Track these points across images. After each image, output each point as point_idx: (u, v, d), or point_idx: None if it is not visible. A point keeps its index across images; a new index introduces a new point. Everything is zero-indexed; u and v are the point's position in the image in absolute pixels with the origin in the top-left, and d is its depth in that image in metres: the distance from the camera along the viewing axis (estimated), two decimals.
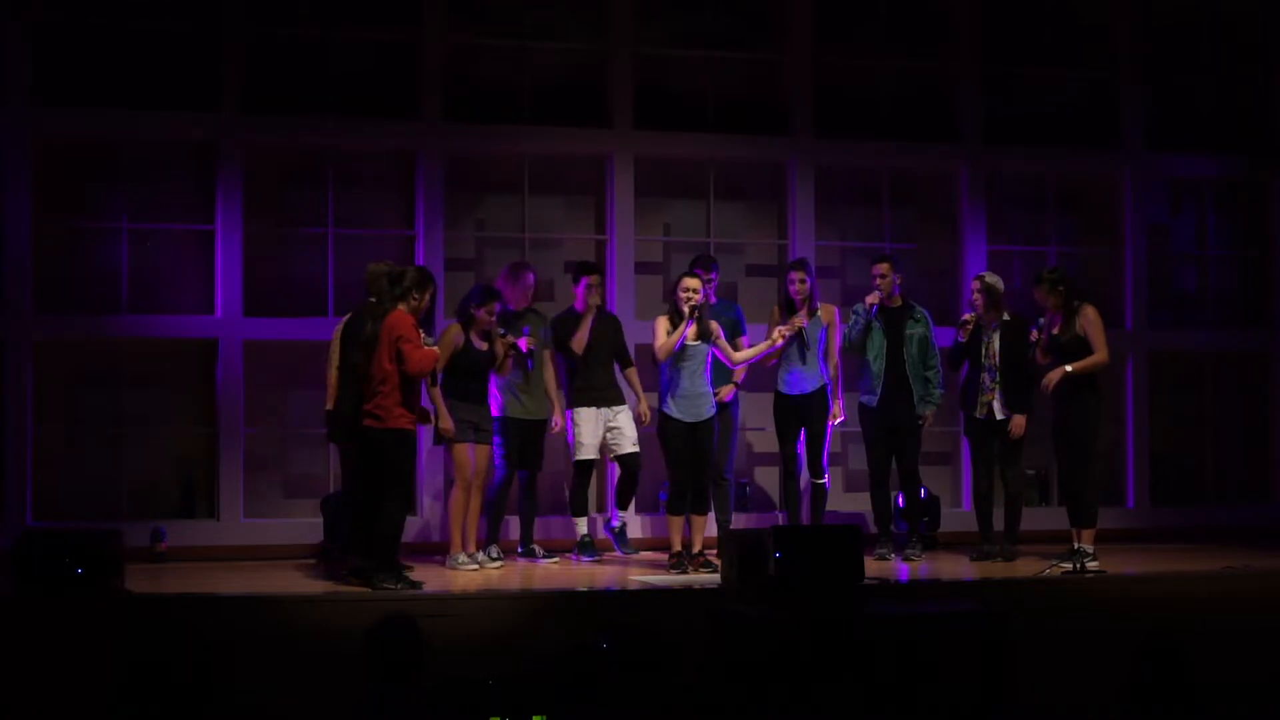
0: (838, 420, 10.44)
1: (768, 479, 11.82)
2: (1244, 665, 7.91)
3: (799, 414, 10.33)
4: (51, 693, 7.19)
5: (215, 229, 10.87)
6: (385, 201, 11.41)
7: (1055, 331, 9.63)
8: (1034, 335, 9.81)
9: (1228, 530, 11.93)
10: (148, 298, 10.95)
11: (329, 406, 9.17)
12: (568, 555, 10.30)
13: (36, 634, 7.36)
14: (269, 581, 9.04)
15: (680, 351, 9.42)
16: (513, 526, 10.44)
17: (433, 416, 9.34)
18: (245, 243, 10.86)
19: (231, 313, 10.82)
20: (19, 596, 7.64)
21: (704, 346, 9.50)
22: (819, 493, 10.38)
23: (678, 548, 9.57)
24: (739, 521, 10.67)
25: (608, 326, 10.30)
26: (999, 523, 10.16)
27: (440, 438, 9.48)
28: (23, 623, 7.45)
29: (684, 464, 9.51)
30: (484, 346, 9.52)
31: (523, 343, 9.77)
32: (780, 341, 9.80)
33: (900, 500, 10.50)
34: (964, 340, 10.14)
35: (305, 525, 10.48)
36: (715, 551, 9.43)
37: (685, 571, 9.45)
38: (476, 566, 9.54)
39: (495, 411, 9.81)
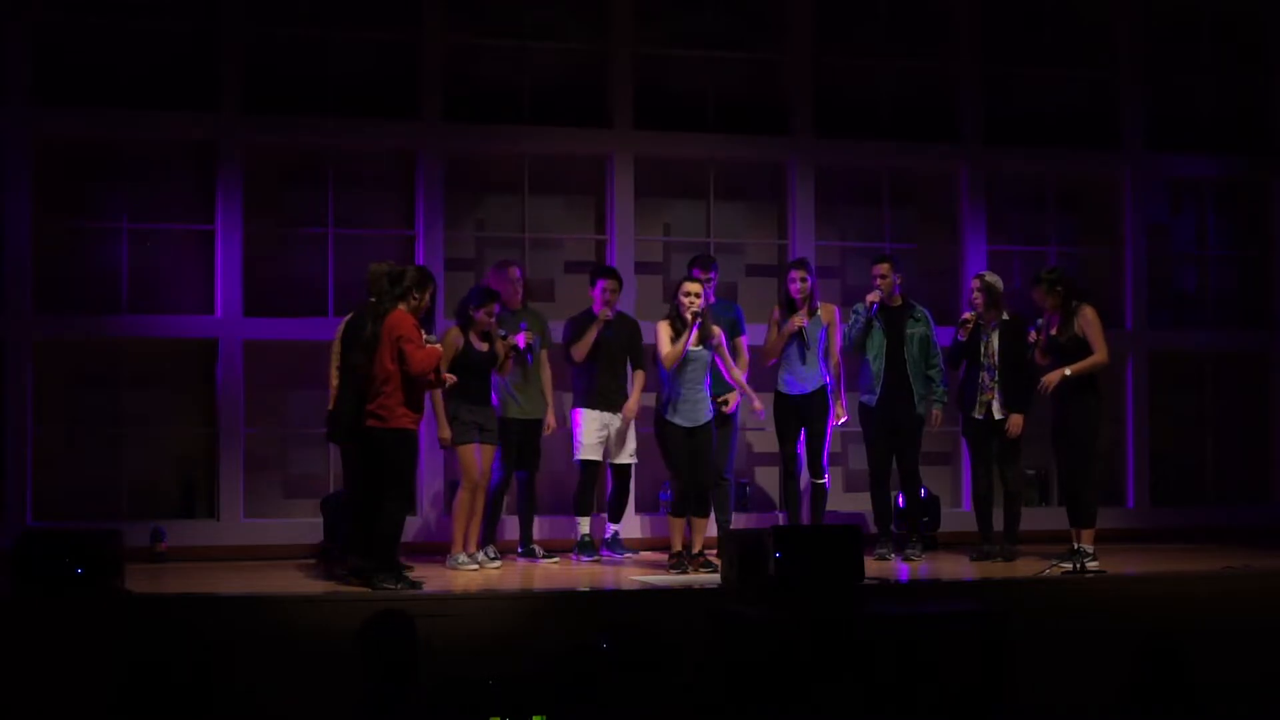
0: (841, 421, 10.44)
1: (768, 479, 11.82)
2: (1244, 665, 7.91)
3: (799, 414, 10.33)
4: (51, 693, 7.19)
5: (215, 229, 10.87)
6: (385, 201, 11.41)
7: (1054, 332, 9.63)
8: (1032, 336, 9.81)
9: (1228, 530, 11.94)
10: (148, 298, 10.95)
11: (330, 407, 9.17)
12: (568, 555, 10.31)
13: (36, 634, 7.36)
14: (269, 581, 9.04)
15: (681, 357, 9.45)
16: (511, 527, 10.44)
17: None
18: (245, 243, 10.86)
19: (231, 313, 10.82)
20: (19, 596, 7.64)
21: (704, 351, 9.51)
22: (819, 493, 10.38)
23: (678, 548, 9.57)
24: (739, 521, 10.68)
25: (624, 331, 10.29)
26: (999, 523, 10.16)
27: (446, 443, 9.52)
28: (23, 623, 7.45)
29: (684, 468, 9.52)
30: (484, 347, 9.52)
31: (520, 338, 9.78)
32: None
33: (900, 500, 10.50)
34: (963, 339, 10.14)
35: (305, 525, 10.48)
36: (715, 551, 9.44)
37: (685, 571, 9.46)
38: (476, 566, 9.55)
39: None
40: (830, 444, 10.50)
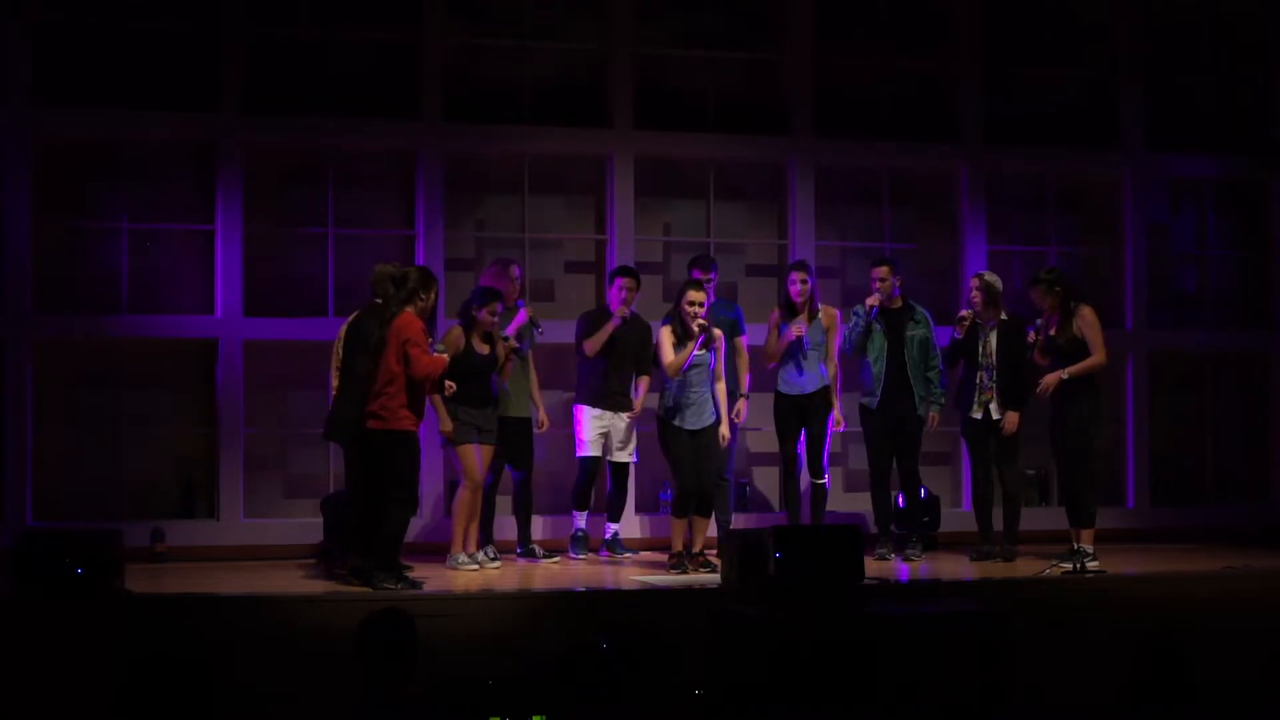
0: (840, 427, 10.43)
1: (768, 479, 11.82)
2: (1244, 665, 7.91)
3: (799, 414, 10.34)
4: (51, 693, 7.18)
5: (215, 229, 10.87)
6: (385, 201, 11.40)
7: (1052, 333, 9.63)
8: (1031, 336, 9.81)
9: (1228, 530, 11.94)
10: (148, 298, 10.95)
11: (330, 406, 9.18)
12: (566, 553, 10.31)
13: (36, 634, 7.36)
14: (269, 581, 9.04)
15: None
16: (509, 527, 10.44)
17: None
18: (245, 243, 10.86)
19: (231, 313, 10.82)
20: (19, 596, 7.64)
21: (707, 355, 9.53)
22: (819, 493, 10.38)
23: (678, 548, 9.59)
24: (739, 521, 10.68)
25: (636, 332, 10.29)
26: (999, 523, 10.17)
27: (448, 442, 9.52)
28: (23, 623, 7.45)
29: (688, 469, 9.53)
30: (485, 350, 9.52)
31: (522, 314, 9.83)
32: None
33: (900, 500, 10.50)
34: (960, 337, 10.14)
35: (305, 525, 10.48)
36: (715, 552, 9.44)
37: (685, 571, 9.47)
38: (476, 566, 9.55)
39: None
40: (830, 444, 10.50)
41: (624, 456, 10.35)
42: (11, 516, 10.33)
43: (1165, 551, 10.93)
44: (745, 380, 10.46)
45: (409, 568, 8.64)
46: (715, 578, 8.92)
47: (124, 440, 10.88)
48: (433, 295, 8.72)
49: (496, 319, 9.55)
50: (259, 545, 10.54)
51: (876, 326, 10.21)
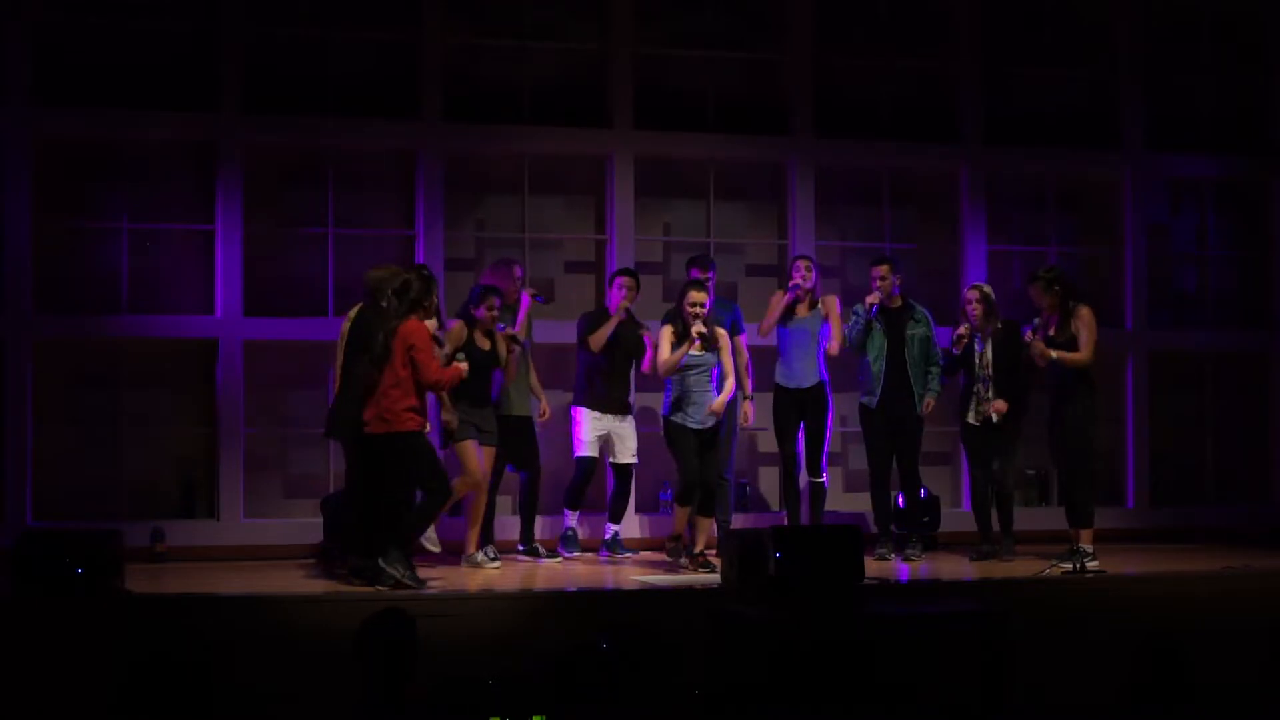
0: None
1: (768, 479, 11.82)
2: (1244, 665, 7.91)
3: (798, 408, 10.34)
4: (51, 693, 7.19)
5: (215, 229, 10.87)
6: (385, 201, 11.40)
7: (1051, 333, 9.63)
8: (1028, 335, 9.81)
9: (1228, 530, 11.93)
10: (148, 298, 10.94)
11: (331, 404, 9.19)
12: (557, 551, 10.32)
13: (36, 634, 7.36)
14: (269, 581, 9.04)
15: (687, 360, 9.46)
16: (511, 526, 10.46)
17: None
18: (245, 243, 10.86)
19: (231, 313, 10.82)
20: (19, 596, 7.64)
21: (710, 356, 9.53)
22: (817, 491, 10.39)
23: (679, 531, 9.61)
24: (739, 521, 10.68)
25: (633, 335, 10.28)
26: (999, 523, 10.19)
27: (447, 439, 9.51)
28: (23, 623, 7.45)
29: (691, 462, 9.56)
30: (486, 345, 9.52)
31: (525, 299, 9.88)
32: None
33: (900, 500, 10.50)
34: (959, 354, 10.16)
35: (305, 525, 10.48)
36: (714, 552, 9.44)
37: (680, 558, 9.48)
38: (498, 566, 9.64)
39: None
40: (830, 443, 10.51)
41: (627, 458, 10.36)
42: (11, 516, 10.33)
43: (1165, 551, 10.93)
44: (748, 383, 10.47)
45: (413, 566, 8.62)
46: (715, 578, 8.92)
47: (124, 440, 10.87)
48: (435, 297, 8.71)
49: (496, 313, 9.56)
50: (259, 545, 10.54)
51: (876, 325, 10.21)
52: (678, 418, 9.56)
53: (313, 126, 11.10)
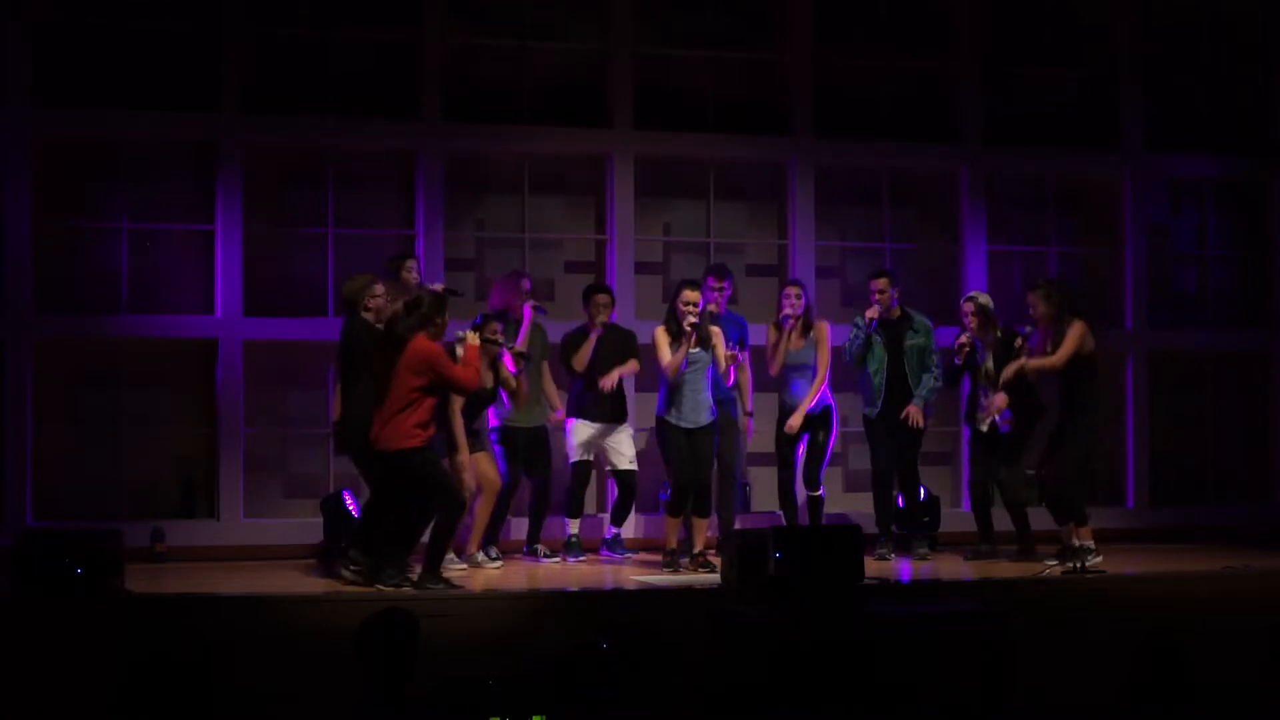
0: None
1: (768, 479, 11.79)
2: (1244, 665, 7.90)
3: (804, 427, 10.33)
4: (51, 693, 7.18)
5: (215, 229, 10.87)
6: (385, 201, 11.41)
7: (1048, 349, 9.59)
8: (1019, 342, 9.80)
9: (1228, 530, 11.93)
10: (148, 298, 10.95)
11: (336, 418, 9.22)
12: (562, 558, 10.32)
13: (36, 634, 7.36)
14: (269, 581, 9.04)
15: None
16: (516, 527, 10.47)
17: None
18: (245, 243, 10.86)
19: (231, 313, 10.82)
20: (19, 596, 7.64)
21: (705, 354, 9.53)
22: (815, 504, 10.37)
23: (672, 545, 9.62)
24: (738, 522, 10.66)
25: (615, 342, 10.26)
26: (999, 523, 10.19)
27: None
28: (23, 623, 7.45)
29: (684, 466, 9.54)
30: (489, 380, 9.46)
31: (527, 312, 9.89)
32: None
33: (900, 502, 10.51)
34: (960, 363, 10.17)
35: (305, 525, 10.48)
36: (714, 551, 9.44)
37: (678, 570, 9.50)
38: (500, 564, 9.68)
39: (494, 420, 9.92)
40: (830, 456, 10.51)
41: (625, 465, 10.34)
42: (11, 516, 10.33)
43: (1165, 551, 10.93)
44: (749, 398, 10.45)
45: (410, 567, 8.63)
46: (715, 578, 8.92)
47: (124, 440, 10.88)
48: (445, 315, 8.66)
49: (499, 337, 9.54)
50: (259, 545, 10.54)
51: (876, 339, 10.22)
52: (671, 416, 9.55)
53: (313, 126, 11.11)
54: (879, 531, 10.40)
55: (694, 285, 9.64)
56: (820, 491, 10.36)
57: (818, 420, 10.31)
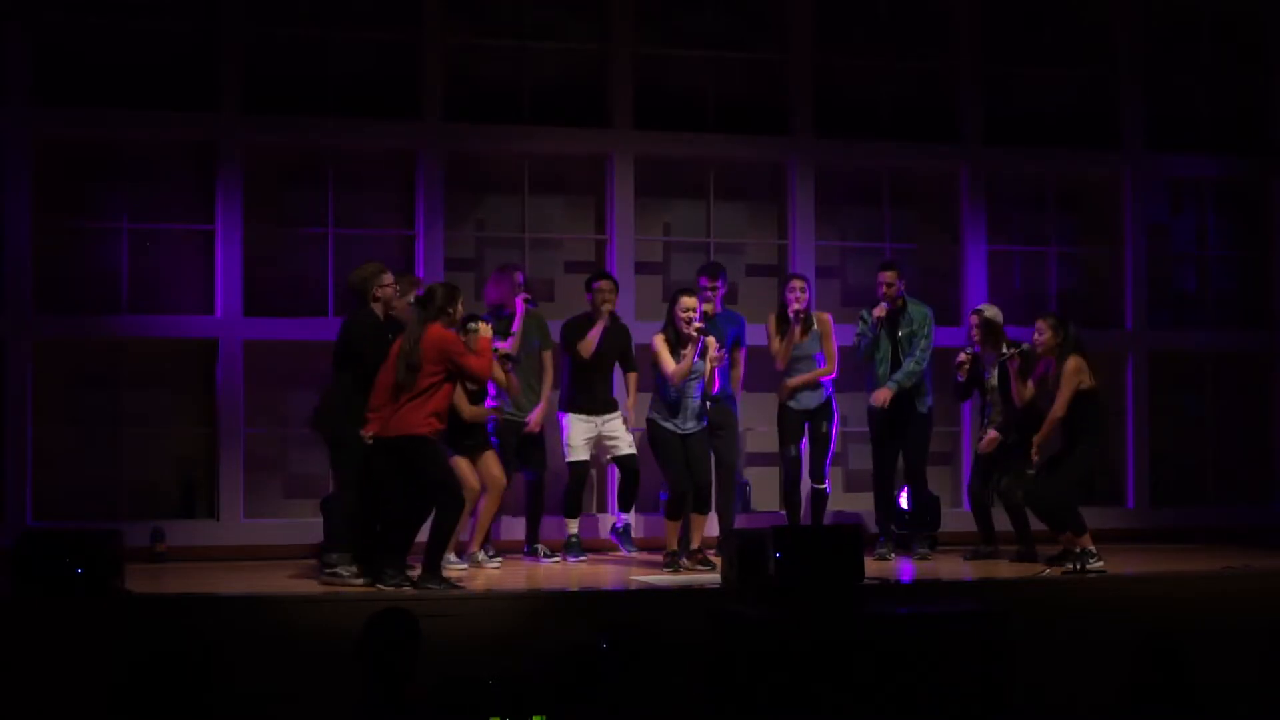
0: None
1: (768, 479, 11.81)
2: (1244, 665, 7.91)
3: (805, 420, 10.33)
4: (51, 693, 7.18)
5: (215, 229, 10.87)
6: (385, 201, 11.41)
7: (1050, 381, 9.56)
8: (1006, 348, 9.76)
9: (1228, 530, 11.93)
10: (148, 298, 10.95)
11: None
12: (563, 558, 10.31)
13: (36, 634, 7.36)
14: (269, 581, 9.03)
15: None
16: (515, 527, 10.47)
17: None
18: (245, 243, 10.87)
19: (231, 313, 10.83)
20: (19, 596, 7.64)
21: (700, 364, 9.55)
22: (819, 498, 10.38)
23: (673, 547, 9.62)
24: (739, 522, 10.67)
25: (615, 335, 10.27)
26: (998, 523, 10.19)
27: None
28: (23, 623, 7.45)
29: (680, 472, 9.55)
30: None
31: (519, 305, 9.87)
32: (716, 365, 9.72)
33: (904, 499, 10.52)
34: (963, 380, 10.15)
35: (305, 525, 10.46)
36: (713, 551, 9.44)
37: (678, 570, 9.49)
38: (499, 563, 9.69)
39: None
40: (834, 451, 10.51)
41: (625, 449, 10.29)
42: (11, 516, 10.34)
43: (1165, 551, 10.93)
44: (738, 394, 10.46)
45: (411, 567, 8.63)
46: (715, 578, 8.92)
47: (124, 440, 10.88)
48: (459, 308, 8.66)
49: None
50: (259, 545, 10.54)
51: (883, 332, 10.22)
52: (667, 423, 9.56)
53: (313, 126, 11.11)
54: (879, 531, 10.41)
55: (690, 292, 9.67)
56: (826, 485, 10.36)
57: (820, 412, 10.30)
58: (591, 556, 10.36)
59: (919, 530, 10.43)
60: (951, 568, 9.93)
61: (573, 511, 10.30)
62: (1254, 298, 12.98)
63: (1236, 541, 11.25)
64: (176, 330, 10.91)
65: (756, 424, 11.34)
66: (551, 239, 11.63)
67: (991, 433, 10.02)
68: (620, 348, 10.29)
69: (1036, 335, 9.60)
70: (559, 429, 10.32)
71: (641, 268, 11.56)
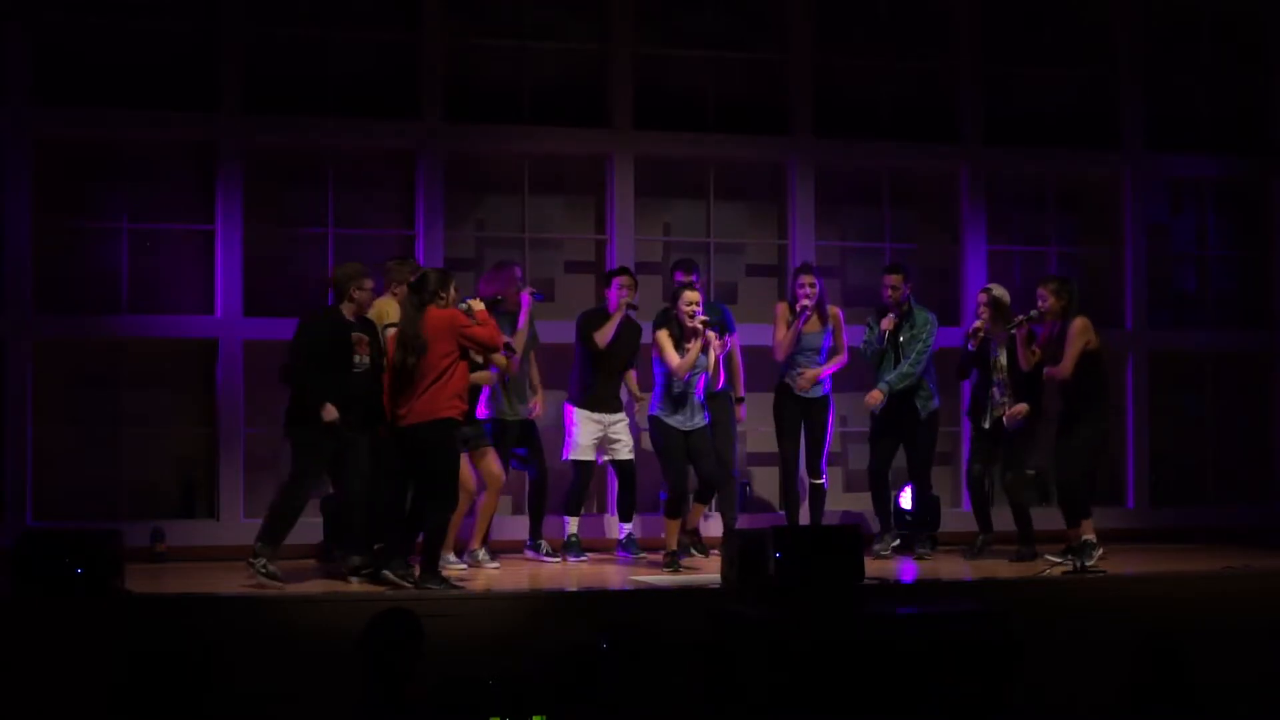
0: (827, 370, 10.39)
1: (768, 479, 11.82)
2: (1244, 665, 7.91)
3: (802, 410, 10.34)
4: (51, 693, 7.18)
5: (215, 229, 10.87)
6: (385, 201, 11.41)
7: (1055, 336, 9.58)
8: (1018, 318, 9.75)
9: (1228, 530, 11.93)
10: (148, 298, 10.95)
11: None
12: (563, 558, 10.32)
13: (36, 634, 7.36)
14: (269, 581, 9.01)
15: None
16: (516, 526, 10.47)
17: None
18: (245, 243, 10.86)
19: (231, 313, 10.83)
20: (19, 596, 7.64)
21: (702, 358, 9.58)
22: (816, 493, 10.39)
23: (672, 547, 9.64)
24: (738, 521, 10.67)
25: (629, 334, 10.26)
26: (998, 522, 10.19)
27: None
28: (23, 623, 7.45)
29: (680, 470, 9.59)
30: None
31: (525, 299, 9.85)
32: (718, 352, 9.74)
33: (907, 498, 10.54)
34: (974, 350, 10.12)
35: (305, 525, 10.37)
36: (715, 551, 9.45)
37: (678, 570, 9.50)
38: (498, 564, 9.69)
39: (485, 412, 9.88)
40: (830, 444, 10.51)
41: (625, 454, 10.32)
42: (11, 516, 10.33)
43: (1165, 551, 10.92)
44: (740, 383, 10.47)
45: (410, 566, 8.63)
46: (715, 578, 8.92)
47: (124, 440, 10.87)
48: (453, 291, 8.66)
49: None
50: None
51: (889, 340, 10.26)
52: (669, 419, 9.58)
53: (313, 126, 11.11)
54: (879, 531, 10.42)
55: (691, 286, 9.72)
56: (823, 480, 10.37)
57: (818, 403, 10.30)
58: (591, 556, 10.35)
59: (920, 530, 10.44)
60: (952, 568, 9.94)
61: (574, 510, 10.31)
62: (1254, 298, 12.98)
63: (1236, 541, 11.25)
64: (176, 330, 10.91)
65: (756, 424, 11.33)
66: (551, 239, 11.63)
67: (1021, 405, 9.94)
68: (633, 346, 10.29)
69: (1040, 302, 9.61)
70: (562, 423, 10.31)
71: (641, 268, 11.54)
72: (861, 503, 11.16)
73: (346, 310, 8.86)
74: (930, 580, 9.42)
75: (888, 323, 10.18)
